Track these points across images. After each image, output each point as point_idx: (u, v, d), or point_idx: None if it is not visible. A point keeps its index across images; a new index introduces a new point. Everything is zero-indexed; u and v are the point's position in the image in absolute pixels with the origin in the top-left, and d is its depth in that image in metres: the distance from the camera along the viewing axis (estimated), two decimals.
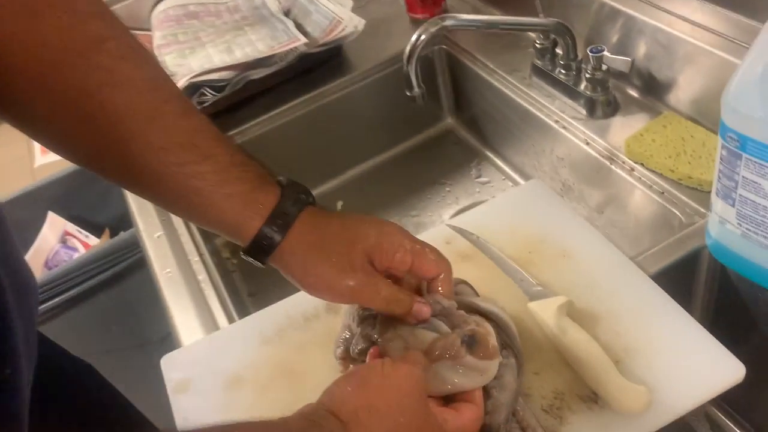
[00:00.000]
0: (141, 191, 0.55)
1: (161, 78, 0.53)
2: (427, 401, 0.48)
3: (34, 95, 0.49)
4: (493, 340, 0.53)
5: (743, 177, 0.54)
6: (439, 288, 0.56)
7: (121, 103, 0.49)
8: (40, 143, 0.55)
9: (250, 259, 0.54)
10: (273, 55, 1.04)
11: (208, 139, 0.52)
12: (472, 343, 0.52)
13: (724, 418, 0.79)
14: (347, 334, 0.60)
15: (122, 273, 1.13)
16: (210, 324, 0.73)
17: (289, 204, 0.53)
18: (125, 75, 0.50)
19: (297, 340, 0.66)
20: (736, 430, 0.78)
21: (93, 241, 1.28)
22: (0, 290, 0.48)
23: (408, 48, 0.80)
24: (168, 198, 0.54)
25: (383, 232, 0.54)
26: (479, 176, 1.09)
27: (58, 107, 0.49)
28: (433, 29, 0.78)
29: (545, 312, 0.61)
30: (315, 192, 1.05)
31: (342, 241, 0.53)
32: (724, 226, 0.60)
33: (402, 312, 0.54)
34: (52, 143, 0.53)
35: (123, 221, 1.27)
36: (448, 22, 0.78)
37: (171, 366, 0.66)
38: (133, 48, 0.52)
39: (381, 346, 0.55)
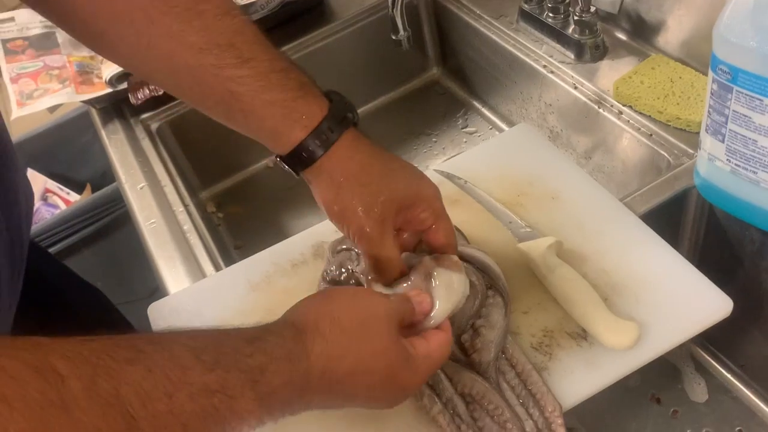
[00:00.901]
0: (182, 94, 0.55)
1: None
2: (394, 329, 0.47)
3: None
4: (456, 259, 0.54)
5: (733, 111, 0.54)
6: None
7: (160, 1, 0.49)
8: (81, 42, 0.56)
9: (285, 167, 0.53)
10: (254, 3, 1.01)
11: (248, 42, 0.50)
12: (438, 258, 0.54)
13: (708, 357, 0.80)
14: (332, 268, 0.60)
15: (106, 228, 1.12)
16: (197, 273, 0.72)
17: (334, 122, 0.51)
18: None
19: (284, 285, 0.65)
20: (721, 369, 0.79)
21: (74, 197, 1.25)
22: None
23: None
24: (208, 102, 0.52)
25: (419, 186, 0.54)
26: (466, 126, 1.08)
27: (89, 6, 0.50)
28: None
29: (534, 252, 0.60)
30: None
31: (379, 184, 0.52)
32: (713, 164, 0.60)
33: (385, 277, 0.53)
34: (93, 43, 0.54)
35: (105, 177, 1.25)
36: None
37: (159, 314, 0.65)
38: None
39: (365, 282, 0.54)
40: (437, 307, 0.51)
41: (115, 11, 0.50)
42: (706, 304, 0.56)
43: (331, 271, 0.59)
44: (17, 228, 0.57)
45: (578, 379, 0.54)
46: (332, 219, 0.54)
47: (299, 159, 0.52)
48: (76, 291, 0.81)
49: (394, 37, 0.83)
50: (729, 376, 0.79)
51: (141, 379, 0.34)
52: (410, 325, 0.50)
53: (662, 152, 0.74)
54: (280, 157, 0.53)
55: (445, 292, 0.51)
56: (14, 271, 0.57)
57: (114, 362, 0.33)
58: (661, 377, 0.81)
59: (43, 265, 0.77)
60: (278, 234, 0.92)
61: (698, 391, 0.79)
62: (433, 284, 0.52)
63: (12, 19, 1.09)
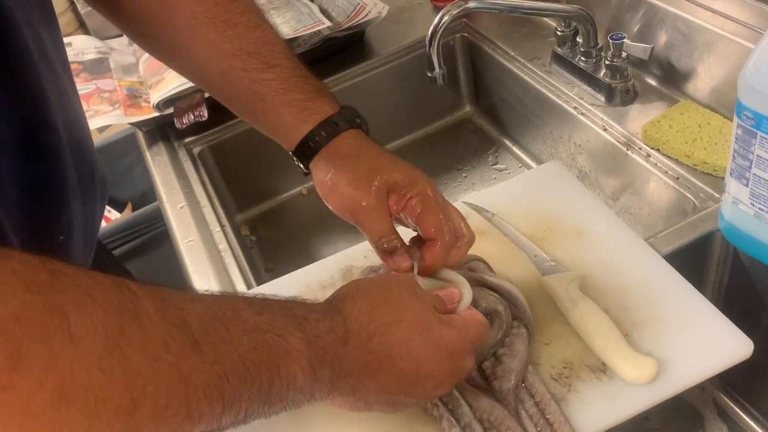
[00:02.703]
0: (214, 92, 0.62)
1: None
2: (416, 293, 0.50)
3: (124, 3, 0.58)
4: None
5: (758, 156, 0.55)
6: (425, 256, 0.56)
7: (200, 11, 0.57)
8: (133, 40, 0.66)
9: (297, 162, 0.60)
10: (297, 38, 1.05)
11: (274, 51, 0.58)
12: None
13: (731, 404, 0.80)
14: None
15: (144, 246, 1.16)
16: (229, 290, 0.75)
17: (341, 119, 0.58)
18: None
19: None
20: (743, 416, 0.79)
21: (115, 215, 1.30)
22: (61, 158, 0.52)
23: (431, 29, 0.82)
24: (236, 101, 0.60)
25: (410, 174, 0.57)
26: (496, 163, 1.10)
27: (145, 12, 0.58)
28: (455, 11, 0.79)
29: (557, 285, 0.62)
30: None
31: (372, 166, 0.56)
32: (737, 207, 0.61)
33: (385, 252, 0.56)
34: (143, 42, 0.64)
35: (145, 198, 1.29)
36: (471, 4, 0.80)
37: None
38: None
39: None
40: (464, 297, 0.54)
41: (164, 17, 0.58)
42: (726, 344, 0.57)
43: None
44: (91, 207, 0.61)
45: (596, 412, 0.54)
46: (325, 197, 0.58)
47: (307, 148, 0.58)
48: None
49: (429, 74, 0.87)
50: (752, 423, 0.78)
51: (202, 311, 0.37)
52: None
53: (689, 195, 0.75)
54: (292, 153, 0.60)
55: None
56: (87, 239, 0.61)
57: (179, 298, 0.37)
58: (683, 422, 0.81)
59: (108, 268, 0.81)
60: (308, 259, 0.94)
61: None
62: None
63: (69, 44, 1.16)
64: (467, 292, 0.55)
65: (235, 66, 0.58)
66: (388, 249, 0.56)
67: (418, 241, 0.57)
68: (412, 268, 0.56)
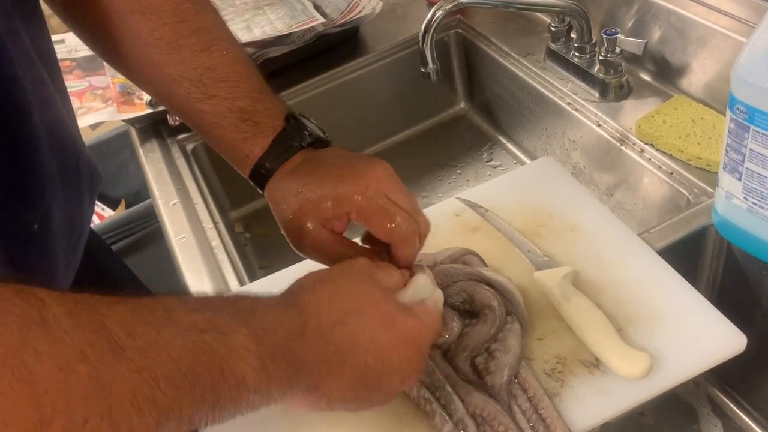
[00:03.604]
0: (165, 104, 0.62)
1: (191, 10, 0.56)
2: (375, 280, 0.47)
3: (79, 10, 0.56)
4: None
5: (750, 150, 0.55)
6: (397, 253, 0.53)
7: (145, 30, 0.55)
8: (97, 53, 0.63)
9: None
10: (291, 34, 1.05)
11: (215, 80, 0.56)
12: None
13: (725, 399, 0.80)
14: None
15: (138, 243, 1.15)
16: (222, 287, 0.74)
17: (270, 157, 0.56)
18: (154, 4, 0.55)
19: None
20: (738, 411, 0.79)
21: (108, 213, 1.30)
22: (35, 145, 0.50)
23: (424, 24, 0.82)
24: (186, 123, 0.60)
25: (339, 194, 0.53)
26: (490, 160, 1.10)
27: (96, 25, 0.56)
28: (448, 6, 0.79)
29: (550, 280, 0.62)
30: None
31: (296, 207, 0.54)
32: (730, 201, 0.61)
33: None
34: (104, 56, 0.62)
35: (138, 196, 1.29)
36: None
37: None
38: None
39: None
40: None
41: (114, 34, 0.56)
42: (720, 339, 0.56)
43: None
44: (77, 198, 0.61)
45: (589, 407, 0.54)
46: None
47: (257, 185, 0.59)
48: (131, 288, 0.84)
49: (423, 70, 0.86)
50: (746, 418, 0.78)
51: (125, 314, 0.33)
52: None
53: (682, 190, 0.75)
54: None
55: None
56: (70, 243, 0.60)
57: (97, 301, 0.33)
58: (677, 417, 0.81)
59: (104, 259, 0.81)
60: (303, 257, 0.94)
61: None
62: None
63: (62, 41, 1.15)
64: (424, 282, 0.52)
65: (177, 92, 0.56)
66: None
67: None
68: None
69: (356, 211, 0.52)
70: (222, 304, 0.40)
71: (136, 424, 0.31)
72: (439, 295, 0.53)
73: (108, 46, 0.58)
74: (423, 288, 0.52)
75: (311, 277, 0.47)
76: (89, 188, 0.62)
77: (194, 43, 0.56)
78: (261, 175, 0.57)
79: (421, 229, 0.54)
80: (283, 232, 0.57)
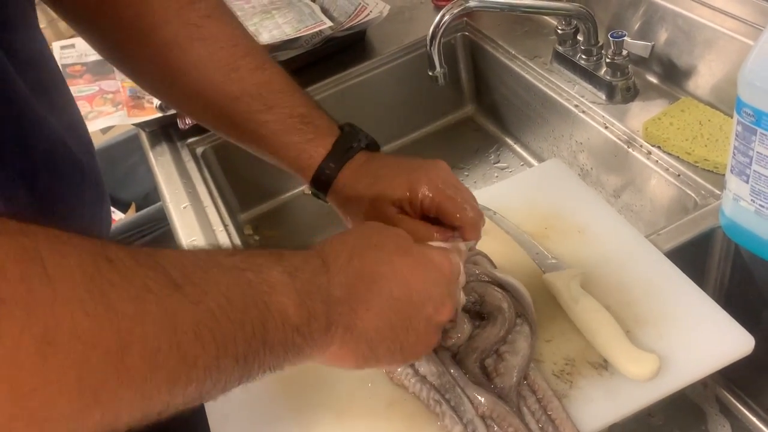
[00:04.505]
0: (220, 131, 0.65)
1: (241, 35, 0.61)
2: (386, 225, 0.50)
3: (134, 46, 0.59)
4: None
5: (758, 152, 0.56)
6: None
7: (205, 55, 0.59)
8: (138, 84, 0.67)
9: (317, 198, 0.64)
10: (299, 38, 1.06)
11: (273, 92, 0.60)
12: None
13: (733, 400, 0.80)
14: None
15: (148, 246, 1.16)
16: None
17: (335, 157, 0.60)
18: (211, 31, 0.59)
19: None
20: (746, 412, 0.79)
21: (119, 216, 1.31)
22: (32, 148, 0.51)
23: (431, 28, 0.82)
24: (242, 140, 0.63)
25: (411, 181, 0.57)
26: (498, 162, 1.11)
27: (154, 57, 0.59)
28: (456, 9, 0.80)
29: (559, 282, 0.62)
30: None
31: (373, 195, 0.58)
32: (737, 204, 0.61)
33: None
34: (146, 87, 0.65)
35: (148, 199, 1.30)
36: (472, 3, 0.80)
37: None
38: (219, 7, 0.61)
39: None
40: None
41: (175, 63, 0.59)
42: (728, 340, 0.57)
43: None
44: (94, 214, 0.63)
45: (598, 408, 0.55)
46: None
47: (318, 191, 0.62)
48: None
49: (430, 73, 0.87)
50: (754, 419, 0.78)
51: (175, 256, 0.35)
52: None
53: (690, 192, 0.75)
54: (312, 191, 0.63)
55: None
56: None
57: (151, 249, 0.35)
58: (685, 418, 0.81)
59: None
60: None
61: None
62: None
63: (72, 45, 1.16)
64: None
65: (238, 109, 0.60)
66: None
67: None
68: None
69: (431, 198, 0.56)
70: (253, 251, 0.42)
71: (200, 355, 0.33)
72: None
73: (165, 75, 0.60)
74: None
75: (328, 239, 0.48)
76: (98, 199, 0.64)
77: (249, 63, 0.60)
78: (325, 175, 0.60)
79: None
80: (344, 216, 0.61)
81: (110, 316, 0.30)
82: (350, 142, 0.61)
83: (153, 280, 0.32)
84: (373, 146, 0.62)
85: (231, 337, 0.35)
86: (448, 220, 0.57)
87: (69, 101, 0.62)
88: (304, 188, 1.11)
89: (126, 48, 0.61)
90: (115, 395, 0.30)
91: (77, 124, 0.62)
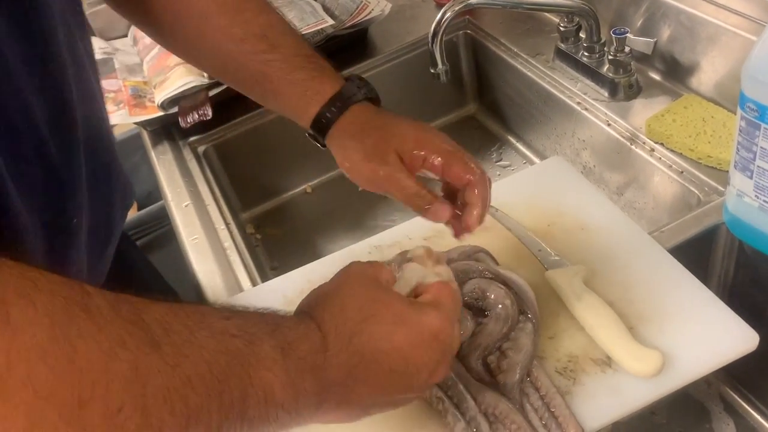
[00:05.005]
0: (229, 79, 0.67)
1: None
2: (378, 283, 0.47)
3: None
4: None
5: (761, 148, 0.55)
6: (475, 191, 0.58)
7: (211, 1, 0.62)
8: (149, 35, 0.70)
9: (313, 141, 0.63)
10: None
11: (278, 33, 0.62)
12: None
13: (737, 398, 0.80)
14: None
15: (150, 244, 1.16)
16: (235, 288, 0.75)
17: (344, 96, 0.61)
18: None
19: None
20: (750, 410, 0.79)
21: None
22: (77, 146, 0.53)
23: (433, 25, 0.82)
24: (247, 83, 0.64)
25: (419, 136, 0.58)
26: (500, 160, 1.10)
27: (162, 2, 0.61)
28: (457, 7, 0.79)
29: (561, 279, 0.62)
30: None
31: (379, 136, 0.58)
32: (741, 200, 0.61)
33: (422, 205, 0.57)
34: (159, 34, 0.67)
35: (150, 197, 1.30)
36: (473, 0, 0.80)
37: None
38: None
39: None
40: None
41: (179, 10, 0.63)
42: (731, 337, 0.57)
43: None
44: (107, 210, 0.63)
45: (601, 405, 0.54)
46: (348, 173, 0.61)
47: (319, 127, 0.61)
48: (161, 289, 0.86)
49: (432, 71, 0.87)
50: (758, 417, 0.78)
51: (163, 312, 0.34)
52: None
53: (693, 189, 0.75)
54: (308, 132, 0.63)
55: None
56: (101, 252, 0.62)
57: (136, 299, 0.34)
58: (689, 416, 0.81)
59: (134, 259, 0.83)
60: (314, 257, 0.94)
61: None
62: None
63: None
64: (410, 268, 0.52)
65: (244, 49, 0.61)
66: (422, 205, 0.57)
67: (451, 195, 0.60)
68: (455, 216, 0.58)
69: (440, 157, 0.57)
70: (250, 315, 0.40)
71: (167, 421, 0.32)
72: (455, 286, 0.52)
73: (173, 24, 0.63)
74: (411, 273, 0.51)
75: (316, 292, 0.47)
76: (120, 197, 0.65)
77: (254, 7, 0.62)
78: (337, 107, 0.60)
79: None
80: (352, 167, 0.60)
81: (72, 368, 0.28)
82: (359, 86, 0.62)
83: (130, 335, 0.31)
84: (375, 100, 0.63)
85: (205, 407, 0.34)
86: (457, 178, 0.57)
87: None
88: (306, 187, 1.11)
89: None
90: None
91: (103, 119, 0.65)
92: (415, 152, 0.57)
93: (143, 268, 0.86)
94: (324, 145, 0.63)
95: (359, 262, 0.49)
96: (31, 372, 0.27)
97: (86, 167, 0.55)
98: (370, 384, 0.43)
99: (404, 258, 0.54)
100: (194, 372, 0.33)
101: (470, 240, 0.68)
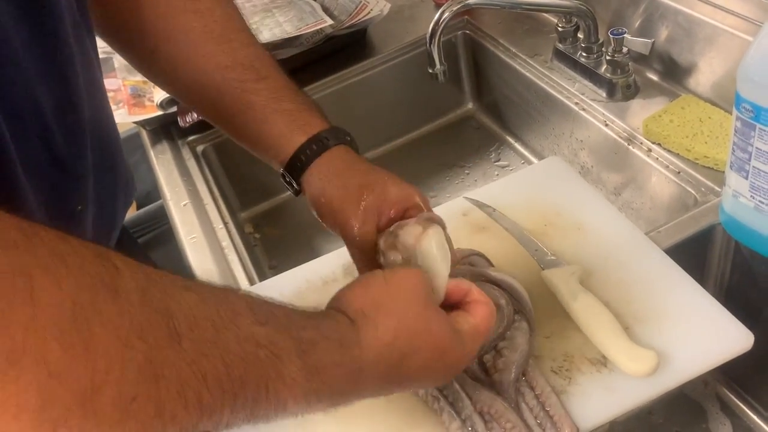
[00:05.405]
0: (203, 106, 0.63)
1: (235, 14, 0.64)
2: (431, 301, 0.47)
3: (128, 17, 0.60)
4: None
5: (757, 148, 0.55)
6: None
7: (198, 26, 0.60)
8: (132, 64, 0.68)
9: (287, 180, 0.59)
10: (299, 36, 1.06)
11: (266, 65, 0.61)
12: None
13: (734, 398, 0.80)
14: None
15: (149, 243, 1.16)
16: (233, 287, 0.75)
17: (331, 135, 0.58)
18: (206, 5, 0.60)
19: (315, 300, 0.67)
20: (747, 410, 0.79)
21: None
22: (83, 137, 0.54)
23: (431, 25, 0.82)
24: (227, 113, 0.61)
25: (405, 190, 0.56)
26: (498, 160, 1.11)
27: (146, 26, 0.60)
28: (456, 7, 0.80)
29: (558, 279, 0.62)
30: None
31: (361, 181, 0.55)
32: (737, 200, 0.61)
33: (364, 260, 0.55)
34: (133, 58, 0.66)
35: (149, 197, 1.30)
36: (471, 0, 0.80)
37: None
38: None
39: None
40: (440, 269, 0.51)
41: (165, 32, 0.60)
42: (727, 337, 0.57)
43: None
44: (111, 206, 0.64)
45: (596, 404, 0.54)
46: (319, 213, 0.58)
47: (299, 162, 0.58)
48: None
49: (430, 71, 0.87)
50: (755, 417, 0.78)
51: (193, 304, 0.33)
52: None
53: (690, 189, 0.75)
54: (283, 169, 0.59)
55: (438, 252, 0.51)
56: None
57: (170, 282, 0.33)
58: (686, 416, 0.81)
59: (135, 255, 0.84)
60: (312, 256, 0.94)
61: None
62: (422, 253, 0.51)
63: None
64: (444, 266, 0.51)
65: (229, 77, 0.59)
66: (365, 261, 0.55)
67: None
68: None
69: (418, 211, 0.55)
70: (287, 325, 0.39)
71: (179, 415, 0.32)
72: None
73: (158, 46, 0.61)
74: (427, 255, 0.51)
75: (370, 300, 0.45)
76: (124, 192, 0.65)
77: (243, 38, 0.61)
78: (319, 145, 0.57)
79: None
80: (318, 192, 0.56)
81: (88, 352, 0.28)
82: (342, 133, 0.60)
83: (150, 324, 0.31)
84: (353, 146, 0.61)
85: (218, 407, 0.33)
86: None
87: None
88: None
89: (116, 19, 0.62)
90: None
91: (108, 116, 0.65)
92: (399, 206, 0.55)
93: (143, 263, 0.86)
94: (298, 186, 0.59)
95: (418, 272, 0.48)
96: (46, 351, 0.27)
97: (92, 157, 0.56)
98: (375, 395, 0.45)
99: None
100: (211, 371, 0.33)
101: (467, 241, 0.68)
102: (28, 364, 0.27)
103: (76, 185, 0.54)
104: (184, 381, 0.32)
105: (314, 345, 0.39)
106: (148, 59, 0.64)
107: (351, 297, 0.45)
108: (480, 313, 0.49)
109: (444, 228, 0.54)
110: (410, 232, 0.52)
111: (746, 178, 0.58)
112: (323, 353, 0.39)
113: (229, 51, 0.60)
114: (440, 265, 0.51)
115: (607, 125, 0.86)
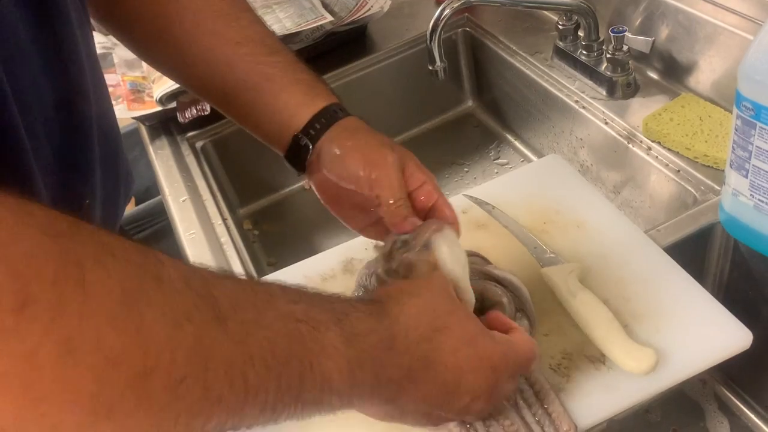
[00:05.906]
0: (211, 86, 0.62)
1: None
2: (455, 297, 0.48)
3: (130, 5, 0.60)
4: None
5: (757, 147, 0.55)
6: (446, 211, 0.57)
7: (205, 5, 0.61)
8: (133, 50, 0.67)
9: (300, 144, 0.58)
10: (299, 32, 1.06)
11: (276, 42, 0.62)
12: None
13: (732, 397, 0.80)
14: (361, 292, 0.62)
15: (148, 239, 1.16)
16: None
17: (341, 108, 0.59)
18: None
19: None
20: (744, 409, 0.79)
21: None
22: (90, 129, 0.54)
23: (432, 22, 0.82)
24: (238, 88, 0.60)
25: (407, 155, 0.58)
26: (498, 158, 1.10)
27: (154, 8, 0.60)
28: (456, 4, 0.80)
29: (557, 276, 0.62)
30: None
31: (385, 140, 0.58)
32: (737, 199, 0.61)
33: (401, 214, 0.55)
34: (137, 44, 0.65)
35: (148, 193, 1.29)
36: None
37: None
38: None
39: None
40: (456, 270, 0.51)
41: (170, 14, 0.60)
42: (726, 335, 0.57)
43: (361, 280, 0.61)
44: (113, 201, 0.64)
45: (595, 402, 0.55)
46: (342, 159, 0.56)
47: (317, 124, 0.57)
48: None
49: (430, 68, 0.87)
50: (753, 416, 0.78)
51: (232, 289, 0.34)
52: None
53: (689, 188, 0.75)
54: (295, 136, 0.58)
55: (448, 249, 0.52)
56: None
57: (208, 273, 0.35)
58: (683, 415, 0.81)
59: None
60: (311, 253, 0.94)
61: (721, 431, 0.78)
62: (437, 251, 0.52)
63: None
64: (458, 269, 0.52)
65: (240, 52, 0.59)
66: (401, 214, 0.55)
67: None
68: None
69: (433, 184, 0.57)
70: (319, 300, 0.40)
71: (226, 396, 0.32)
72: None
73: (162, 30, 0.61)
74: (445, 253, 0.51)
75: (397, 287, 0.47)
76: (124, 186, 0.65)
77: (251, 17, 0.62)
78: (343, 110, 0.59)
79: None
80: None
81: (140, 336, 0.29)
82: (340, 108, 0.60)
83: (197, 308, 0.32)
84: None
85: (263, 386, 0.34)
86: (419, 199, 0.57)
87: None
88: (304, 183, 1.11)
89: (121, 2, 0.62)
90: (129, 416, 0.29)
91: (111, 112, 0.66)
92: (417, 174, 0.56)
93: None
94: (302, 170, 0.60)
95: (439, 272, 0.49)
96: (101, 337, 0.28)
97: (99, 150, 0.56)
98: (420, 390, 0.44)
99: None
100: (257, 351, 0.34)
101: (466, 239, 0.68)
102: (85, 351, 0.27)
103: (84, 179, 0.55)
104: (230, 361, 0.32)
105: (347, 314, 0.40)
106: (154, 43, 0.64)
107: (379, 289, 0.48)
108: (520, 335, 0.50)
109: (458, 234, 0.54)
110: (423, 235, 0.52)
111: (746, 176, 0.58)
112: (356, 321, 0.40)
113: (239, 28, 0.60)
114: (459, 271, 0.51)
115: (607, 123, 0.86)
